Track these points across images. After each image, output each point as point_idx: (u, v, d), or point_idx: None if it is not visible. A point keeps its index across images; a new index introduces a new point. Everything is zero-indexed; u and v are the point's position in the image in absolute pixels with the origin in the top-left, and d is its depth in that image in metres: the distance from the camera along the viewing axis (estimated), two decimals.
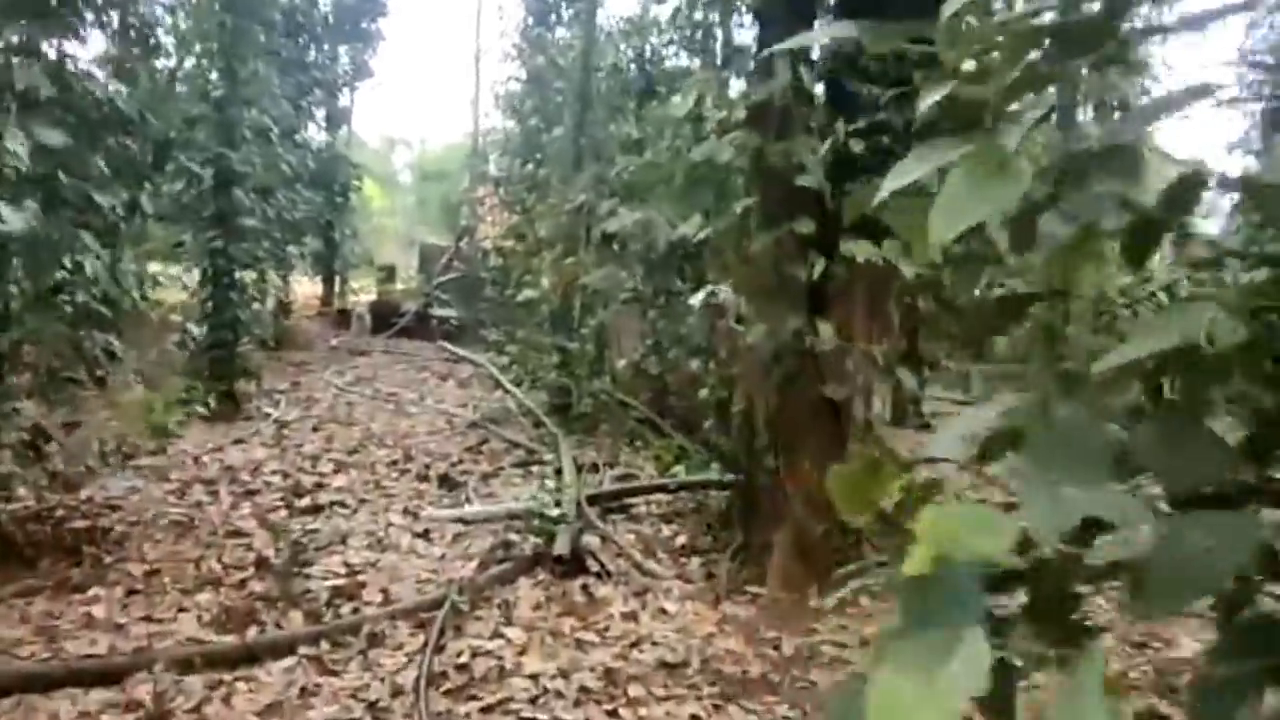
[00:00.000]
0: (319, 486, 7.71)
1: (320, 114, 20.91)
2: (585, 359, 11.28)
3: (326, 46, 20.38)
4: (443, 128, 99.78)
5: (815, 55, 5.67)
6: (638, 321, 12.51)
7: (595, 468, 8.77)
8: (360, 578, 5.62)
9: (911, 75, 1.58)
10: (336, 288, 22.53)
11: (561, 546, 5.81)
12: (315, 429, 9.82)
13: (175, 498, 7.06)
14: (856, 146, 5.28)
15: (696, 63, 17.52)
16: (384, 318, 19.23)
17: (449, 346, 17.02)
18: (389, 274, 22.37)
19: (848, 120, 5.49)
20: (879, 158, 5.56)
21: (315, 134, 20.21)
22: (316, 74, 16.77)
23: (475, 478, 8.24)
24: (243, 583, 5.44)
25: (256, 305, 11.92)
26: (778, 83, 5.17)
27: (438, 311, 20.10)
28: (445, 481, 8.16)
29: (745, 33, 16.37)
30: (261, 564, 5.72)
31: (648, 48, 16.31)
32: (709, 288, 7.04)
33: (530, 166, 13.39)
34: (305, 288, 22.54)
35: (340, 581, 5.53)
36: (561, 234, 10.39)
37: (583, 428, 10.53)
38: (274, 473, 8.02)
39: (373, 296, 21.74)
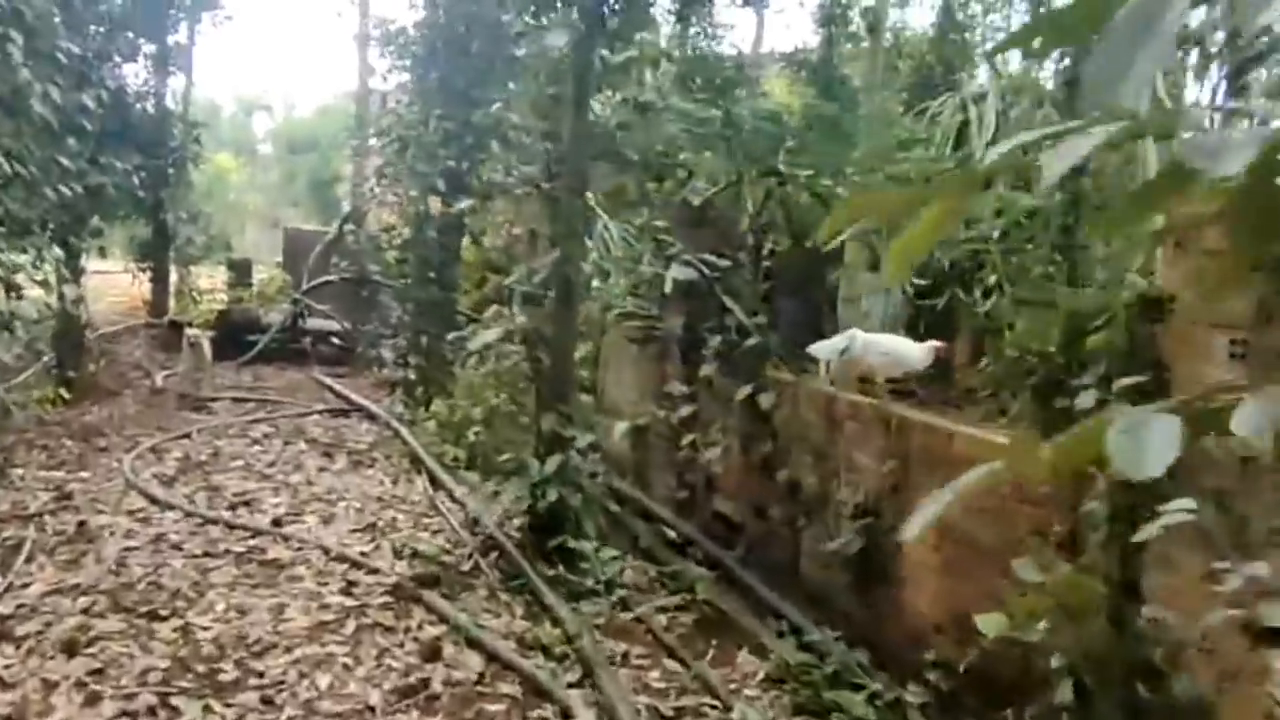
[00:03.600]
0: None
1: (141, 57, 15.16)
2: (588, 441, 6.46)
3: None
4: (313, 88, 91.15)
5: None
6: (654, 364, 7.82)
7: None
8: None
9: None
10: (174, 287, 16.85)
11: None
12: (67, 646, 4.67)
13: None
14: None
15: None
16: (239, 335, 13.79)
17: (332, 384, 11.81)
18: (241, 273, 16.78)
19: None
20: None
21: (133, 77, 14.51)
22: None
23: None
24: None
25: None
26: None
27: (313, 323, 14.79)
28: None
29: None
30: None
31: None
32: None
33: (478, 116, 8.31)
34: (124, 286, 16.77)
35: None
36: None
37: (604, 577, 5.75)
38: None
39: (223, 302, 16.14)
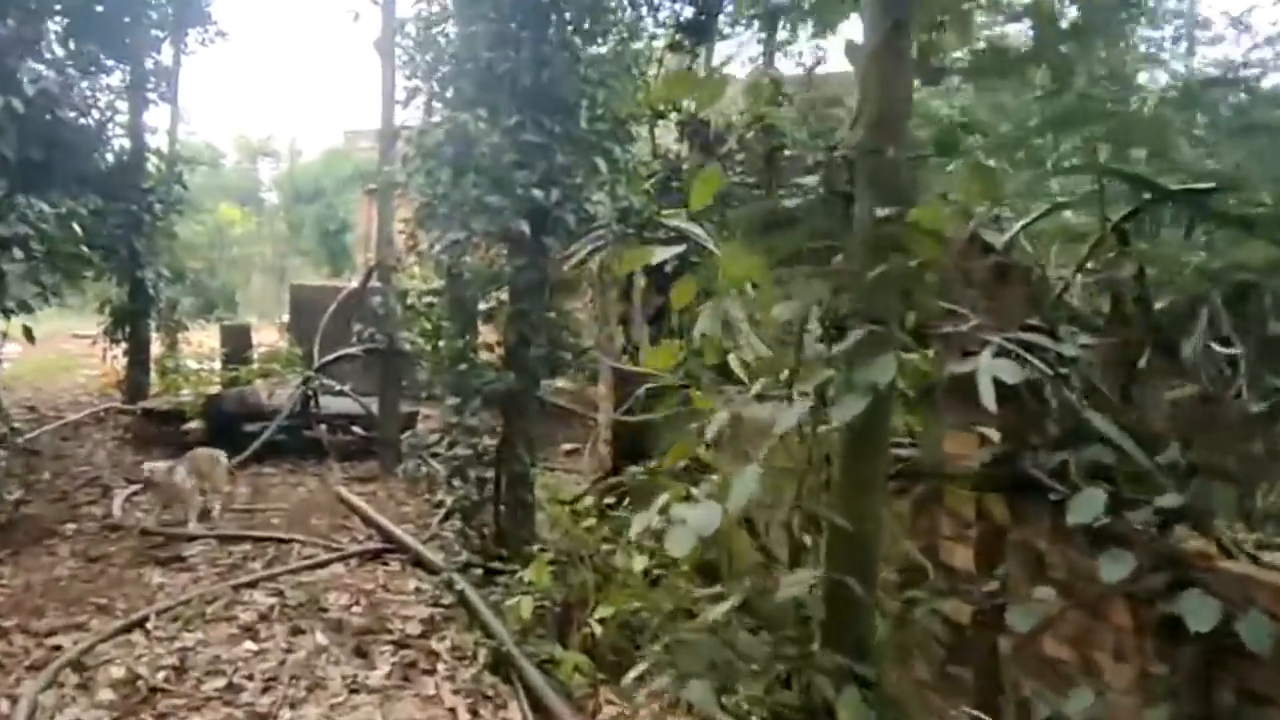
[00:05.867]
0: None
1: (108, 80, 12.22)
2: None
3: None
4: (319, 130, 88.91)
5: None
6: (910, 508, 4.65)
7: None
8: None
9: None
10: (156, 359, 13.74)
11: None
12: None
13: None
14: None
15: None
16: (234, 427, 10.66)
17: (357, 503, 8.60)
18: (238, 344, 13.65)
19: None
20: None
21: (98, 97, 11.53)
22: None
23: None
24: None
25: None
26: None
27: (329, 404, 11.64)
28: None
29: None
30: None
31: None
32: None
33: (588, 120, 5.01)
34: (91, 359, 13.67)
35: None
36: None
37: None
38: None
39: (215, 381, 12.95)
